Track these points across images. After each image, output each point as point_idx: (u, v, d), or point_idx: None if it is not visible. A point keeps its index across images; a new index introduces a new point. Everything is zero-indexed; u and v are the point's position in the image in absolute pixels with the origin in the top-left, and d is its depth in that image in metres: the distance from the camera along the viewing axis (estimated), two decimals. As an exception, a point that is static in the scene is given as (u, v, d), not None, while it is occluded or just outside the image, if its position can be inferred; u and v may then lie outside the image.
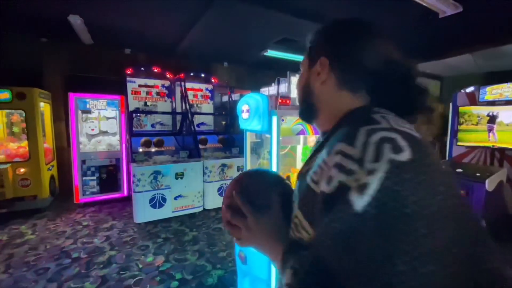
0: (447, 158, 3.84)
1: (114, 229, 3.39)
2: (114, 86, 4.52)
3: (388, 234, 0.33)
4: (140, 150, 4.09)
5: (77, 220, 3.66)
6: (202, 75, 5.03)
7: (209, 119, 5.20)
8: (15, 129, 4.23)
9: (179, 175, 3.73)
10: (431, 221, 0.33)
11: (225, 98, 5.54)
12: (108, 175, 4.29)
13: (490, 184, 2.69)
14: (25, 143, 3.82)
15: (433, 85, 6.88)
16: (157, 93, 4.69)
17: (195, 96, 5.05)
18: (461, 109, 3.73)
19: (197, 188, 3.91)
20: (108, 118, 4.48)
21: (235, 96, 5.28)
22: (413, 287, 0.31)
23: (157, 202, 3.60)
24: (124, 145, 4.38)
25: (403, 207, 0.33)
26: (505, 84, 3.37)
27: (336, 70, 0.53)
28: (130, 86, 4.42)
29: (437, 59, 5.10)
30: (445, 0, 2.95)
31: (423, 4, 2.99)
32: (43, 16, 3.56)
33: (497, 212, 2.95)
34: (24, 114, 3.69)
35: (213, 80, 5.17)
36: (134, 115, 4.28)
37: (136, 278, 2.38)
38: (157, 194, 3.60)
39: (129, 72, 4.37)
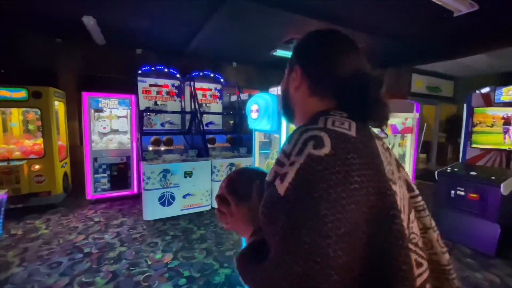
0: (460, 160, 3.74)
1: (124, 225, 3.46)
2: (126, 86, 4.61)
3: (299, 212, 0.41)
4: (150, 148, 4.16)
5: (88, 216, 3.75)
6: (211, 75, 5.07)
7: (217, 119, 5.24)
8: (31, 127, 4.37)
9: (187, 174, 3.77)
10: (334, 205, 0.39)
11: (234, 98, 5.56)
12: (119, 173, 4.37)
13: (505, 188, 2.61)
14: (40, 140, 3.94)
15: (447, 85, 6.72)
16: (167, 93, 4.75)
17: (204, 95, 5.10)
18: (476, 109, 3.62)
19: (205, 187, 3.95)
20: (119, 117, 4.57)
21: (243, 96, 5.30)
22: (311, 254, 0.38)
23: (166, 200, 3.65)
24: (134, 144, 4.46)
25: (313, 192, 0.40)
26: (523, 84, 3.26)
27: (307, 79, 0.59)
28: (140, 86, 4.50)
29: (451, 59, 4.98)
30: (461, -2, 2.88)
31: (438, 2, 2.92)
32: (58, 17, 3.67)
33: (512, 217, 2.86)
34: (39, 113, 3.81)
35: (221, 80, 5.20)
36: (144, 114, 4.35)
37: (145, 275, 2.42)
38: (166, 192, 3.65)
39: (140, 72, 4.45)
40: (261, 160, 2.29)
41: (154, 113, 4.57)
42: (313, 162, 0.42)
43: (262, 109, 1.75)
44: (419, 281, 0.50)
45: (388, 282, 0.41)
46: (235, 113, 5.27)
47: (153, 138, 4.27)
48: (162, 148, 4.29)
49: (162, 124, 4.72)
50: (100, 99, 4.26)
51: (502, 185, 2.57)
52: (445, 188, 3.04)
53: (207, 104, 5.14)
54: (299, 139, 0.46)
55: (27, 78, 4.15)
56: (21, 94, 3.67)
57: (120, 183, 4.40)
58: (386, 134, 0.58)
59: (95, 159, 4.21)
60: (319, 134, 0.45)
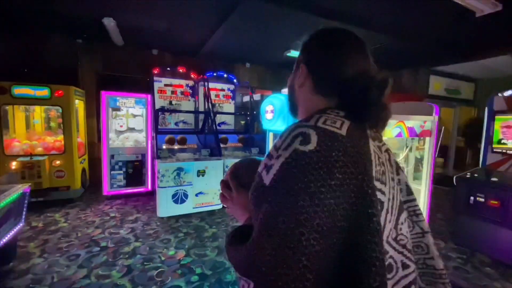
0: (480, 166, 3.60)
1: (138, 221, 3.55)
2: (142, 85, 4.73)
3: (279, 201, 0.44)
4: (164, 147, 4.25)
5: (105, 211, 3.87)
6: (225, 75, 5.11)
7: (230, 119, 5.28)
8: (52, 124, 4.56)
9: (201, 173, 3.83)
10: (312, 198, 0.42)
11: (246, 98, 5.59)
12: (134, 170, 4.49)
13: (529, 195, 2.49)
14: (60, 137, 4.10)
15: (467, 88, 6.49)
16: (182, 93, 4.83)
17: (217, 96, 5.15)
18: (498, 117, 3.47)
19: (217, 186, 3.96)
20: (135, 116, 4.70)
21: (256, 96, 5.32)
22: (285, 240, 0.41)
23: (179, 198, 3.72)
24: (149, 142, 4.56)
25: (294, 184, 0.43)
26: (550, 87, 3.10)
27: (312, 77, 0.60)
28: (156, 86, 4.60)
29: (472, 60, 4.82)
30: (484, -2, 2.79)
31: (460, 2, 2.83)
32: (80, 19, 3.81)
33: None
34: (61, 110, 3.97)
35: (235, 80, 5.24)
36: (159, 113, 4.45)
37: (159, 270, 2.48)
38: (180, 190, 3.71)
39: (156, 72, 4.55)
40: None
41: (169, 113, 4.66)
42: (297, 157, 0.45)
43: (277, 110, 1.76)
44: (404, 282, 0.51)
45: (360, 277, 0.43)
46: (248, 114, 5.30)
47: (167, 137, 4.35)
48: (176, 147, 4.36)
49: (176, 124, 4.80)
50: (117, 98, 4.39)
51: (525, 192, 2.47)
52: (464, 194, 2.94)
53: (220, 104, 5.19)
54: (288, 135, 0.49)
55: (50, 77, 4.33)
56: (44, 92, 3.84)
57: (135, 180, 4.51)
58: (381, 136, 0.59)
59: (112, 156, 4.34)
60: (307, 131, 0.48)
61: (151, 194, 4.54)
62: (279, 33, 4.07)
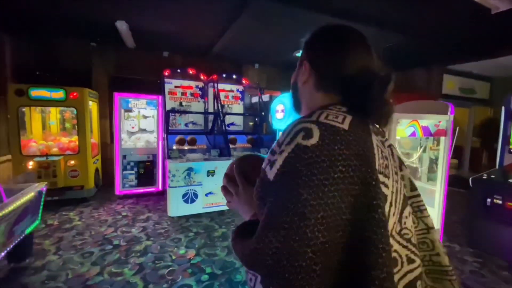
0: (497, 167, 3.49)
1: (149, 220, 3.60)
2: (153, 87, 4.81)
3: (284, 195, 0.45)
4: (174, 147, 4.30)
5: (117, 210, 3.95)
6: (234, 76, 5.14)
7: (238, 120, 5.30)
8: (67, 125, 4.69)
9: (210, 173, 3.86)
10: (315, 191, 0.42)
11: (255, 99, 5.61)
12: (145, 170, 4.57)
13: (550, 197, 2.40)
14: (75, 137, 4.22)
15: (482, 87, 6.30)
16: (191, 94, 4.89)
17: (226, 97, 5.19)
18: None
19: (226, 186, 4.00)
20: (146, 117, 4.78)
21: (265, 97, 5.32)
22: (290, 232, 0.42)
23: (189, 198, 3.75)
24: (160, 142, 4.63)
25: (298, 178, 0.44)
26: None
27: (315, 74, 0.60)
28: (167, 87, 4.67)
29: (487, 58, 4.68)
30: (500, -6, 2.71)
31: (475, 0, 2.76)
32: (93, 22, 3.91)
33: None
34: (75, 112, 4.08)
35: (244, 82, 5.27)
36: (170, 114, 4.51)
37: (170, 269, 2.50)
38: (190, 190, 3.75)
39: (166, 74, 4.62)
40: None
41: (179, 114, 4.72)
42: (299, 151, 0.46)
43: (288, 109, 1.76)
44: (409, 277, 0.51)
45: (366, 268, 0.43)
46: (257, 114, 5.30)
47: (177, 137, 4.41)
48: (186, 147, 4.41)
49: (186, 124, 4.86)
50: (129, 99, 4.48)
51: (546, 194, 2.37)
52: (480, 196, 2.85)
53: (229, 105, 5.22)
54: (291, 130, 0.50)
55: (65, 80, 4.46)
56: (59, 94, 3.96)
57: (147, 180, 4.59)
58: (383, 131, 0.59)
59: (124, 157, 4.43)
60: (309, 126, 0.48)
61: (162, 194, 4.60)
62: (288, 33, 4.06)
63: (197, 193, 3.80)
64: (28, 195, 2.27)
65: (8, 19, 3.84)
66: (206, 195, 3.87)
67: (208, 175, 3.86)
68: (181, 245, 2.97)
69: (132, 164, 4.49)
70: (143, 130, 4.78)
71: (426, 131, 1.72)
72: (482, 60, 4.80)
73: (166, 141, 4.11)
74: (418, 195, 0.64)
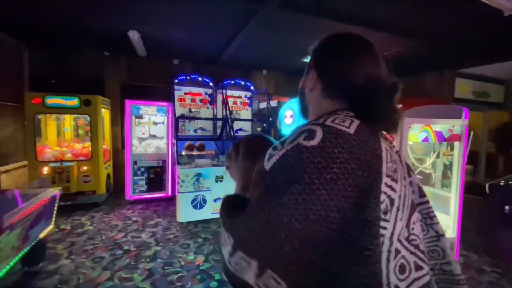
0: (514, 173, 3.36)
1: (159, 226, 3.62)
2: (163, 94, 4.91)
3: (274, 186, 0.48)
4: (183, 153, 4.34)
5: (127, 215, 4.00)
6: (242, 82, 5.19)
7: (247, 125, 5.32)
8: (80, 132, 4.82)
9: (219, 178, 3.87)
10: (304, 188, 0.45)
11: (263, 105, 5.63)
12: (155, 176, 4.63)
13: None
14: (88, 144, 4.32)
15: (496, 90, 6.13)
16: (201, 100, 4.96)
17: (234, 103, 5.22)
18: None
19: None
20: (156, 123, 4.87)
21: (273, 103, 5.34)
22: (269, 216, 0.46)
23: (198, 203, 3.77)
24: (170, 148, 4.69)
25: (289, 174, 0.47)
26: None
27: (321, 82, 0.61)
28: (177, 94, 4.75)
29: (501, 61, 4.56)
30: (514, -4, 2.65)
31: (487, 2, 2.71)
32: (107, 33, 4.05)
33: None
34: (89, 119, 4.19)
35: (252, 87, 5.30)
36: (179, 120, 4.57)
37: (179, 275, 2.50)
38: (199, 195, 3.77)
39: (176, 81, 4.71)
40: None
41: (188, 120, 4.79)
42: (298, 150, 0.48)
43: (297, 115, 1.76)
44: (417, 284, 0.50)
45: (348, 264, 0.44)
46: (265, 120, 5.32)
47: (187, 143, 4.45)
48: (195, 153, 4.45)
49: (195, 130, 4.91)
50: (140, 106, 4.58)
51: None
52: (498, 203, 2.74)
53: (238, 111, 5.25)
54: (296, 131, 0.52)
55: (79, 88, 4.61)
56: (74, 102, 4.08)
57: (156, 185, 4.64)
58: (392, 138, 0.60)
59: (135, 162, 4.51)
60: (314, 128, 0.50)
61: (171, 199, 4.64)
62: (296, 39, 4.09)
63: (205, 198, 3.82)
64: (42, 200, 2.32)
65: (27, 31, 4.02)
66: (215, 200, 3.88)
67: (216, 181, 3.87)
68: (190, 251, 2.97)
69: (142, 169, 4.56)
70: (153, 136, 4.86)
71: (440, 136, 1.67)
72: (496, 63, 4.68)
73: (175, 147, 4.16)
74: (427, 202, 0.63)
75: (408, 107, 2.71)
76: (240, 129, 5.22)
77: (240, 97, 5.29)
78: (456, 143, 1.81)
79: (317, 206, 0.45)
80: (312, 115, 0.64)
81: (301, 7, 3.07)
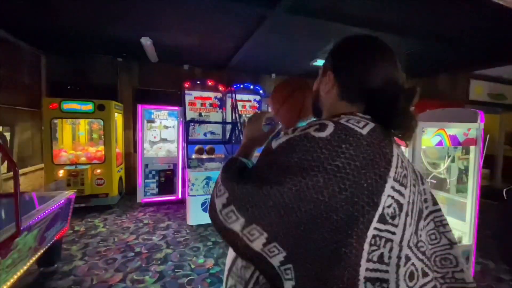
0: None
1: (169, 229, 3.67)
2: (174, 98, 5.00)
3: (275, 165, 0.52)
4: (193, 156, 4.39)
5: (139, 218, 4.06)
6: (251, 87, 5.23)
7: (256, 129, 5.33)
8: (94, 136, 4.95)
9: (228, 182, 3.88)
10: (301, 171, 0.47)
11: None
12: (166, 179, 4.70)
13: None
14: (101, 147, 4.44)
15: (513, 93, 5.93)
16: (210, 104, 5.02)
17: (243, 106, 5.26)
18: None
19: (244, 196, 4.01)
20: (167, 127, 4.95)
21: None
22: (258, 189, 0.50)
23: (208, 207, 3.79)
24: (180, 152, 4.76)
25: (290, 157, 0.50)
26: None
27: (339, 84, 0.61)
28: (187, 98, 4.83)
29: (517, 63, 4.42)
30: (531, -4, 2.58)
31: (501, 3, 2.65)
32: (120, 39, 4.16)
33: None
34: (102, 123, 4.31)
35: (261, 91, 5.33)
36: (190, 124, 4.64)
37: (189, 278, 2.52)
38: (208, 198, 3.79)
39: (186, 86, 4.79)
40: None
41: (198, 124, 4.85)
42: (305, 138, 0.50)
43: (307, 119, 1.75)
44: None
45: (330, 260, 0.46)
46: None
47: (197, 147, 4.51)
48: (204, 156, 4.50)
49: (204, 134, 4.97)
50: (152, 110, 4.68)
51: None
52: (517, 209, 2.64)
53: (247, 115, 5.28)
54: (310, 123, 0.54)
55: (93, 93, 4.75)
56: (88, 107, 4.20)
57: (167, 188, 4.70)
58: (406, 144, 0.60)
59: (146, 165, 4.59)
60: (327, 123, 0.52)
61: (181, 202, 4.68)
62: (305, 43, 4.09)
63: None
64: (58, 203, 2.40)
65: (44, 39, 4.18)
66: (224, 204, 3.89)
67: (226, 184, 3.88)
68: (200, 254, 2.99)
69: (153, 172, 4.64)
70: (164, 140, 4.94)
71: (454, 140, 1.64)
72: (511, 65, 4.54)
73: (186, 151, 4.21)
74: (440, 210, 0.63)
75: (421, 109, 2.66)
76: (249, 133, 5.24)
77: (249, 101, 5.32)
78: (472, 147, 1.77)
79: (310, 190, 0.47)
80: (328, 116, 0.64)
81: (310, 12, 3.08)
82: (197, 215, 3.75)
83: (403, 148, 0.63)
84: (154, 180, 4.64)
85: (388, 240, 0.47)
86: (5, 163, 3.70)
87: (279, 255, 0.49)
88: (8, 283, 1.77)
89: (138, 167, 4.56)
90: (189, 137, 4.70)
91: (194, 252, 3.02)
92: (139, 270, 2.64)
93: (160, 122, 4.90)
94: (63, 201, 2.47)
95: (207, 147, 4.61)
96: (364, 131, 0.50)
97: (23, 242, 1.90)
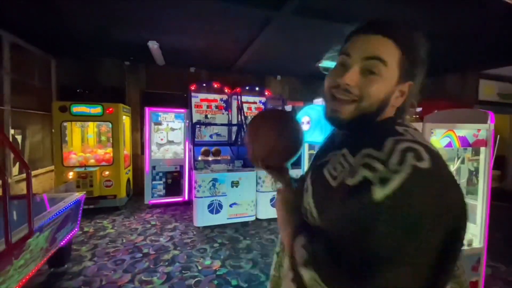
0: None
1: (176, 230, 3.69)
2: (181, 101, 5.05)
3: (397, 225, 0.40)
4: (200, 158, 4.42)
5: (146, 219, 4.10)
6: (256, 88, 5.25)
7: (262, 130, 5.34)
8: (103, 138, 5.03)
9: (235, 184, 3.90)
10: (433, 220, 0.41)
11: (278, 110, 5.63)
12: (173, 180, 4.74)
13: None
14: (109, 150, 4.50)
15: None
16: (216, 107, 5.06)
17: (249, 108, 5.27)
18: None
19: (250, 197, 4.02)
20: (173, 129, 5.00)
21: (287, 108, 5.35)
22: (411, 265, 0.41)
23: (214, 208, 3.81)
24: (187, 154, 4.80)
25: (413, 206, 0.40)
26: None
27: (410, 89, 0.57)
28: (193, 101, 4.87)
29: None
30: (541, -7, 2.53)
31: (508, 1, 2.61)
32: (127, 43, 4.23)
33: None
34: (111, 126, 4.38)
35: (266, 93, 5.34)
36: (196, 126, 4.68)
37: (196, 279, 2.53)
38: (215, 200, 3.81)
39: (193, 88, 4.83)
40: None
41: (204, 126, 4.89)
42: (417, 174, 0.41)
43: (314, 121, 1.76)
44: None
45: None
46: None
47: (203, 148, 4.54)
48: (210, 158, 4.52)
49: (210, 136, 5.01)
50: (159, 113, 4.74)
51: None
52: (529, 211, 2.58)
53: (252, 117, 5.29)
54: (394, 148, 0.45)
55: (102, 96, 4.83)
56: (97, 110, 4.28)
57: (174, 190, 4.75)
58: None
59: (153, 167, 4.64)
60: (415, 146, 0.45)
61: (188, 204, 4.72)
62: (311, 45, 4.09)
63: (221, 203, 3.85)
64: (68, 204, 2.44)
65: (54, 43, 4.28)
66: (231, 205, 3.91)
67: (232, 186, 3.90)
68: (207, 255, 3.00)
69: (160, 174, 4.69)
70: (171, 142, 4.99)
71: (464, 141, 1.61)
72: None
73: (192, 152, 4.25)
74: None
75: (429, 109, 2.62)
76: (255, 134, 5.25)
77: (255, 102, 5.34)
78: (482, 148, 1.74)
79: (435, 236, 0.42)
80: (369, 123, 0.56)
81: (316, 13, 3.08)
82: (203, 217, 3.77)
83: None
84: (161, 182, 4.69)
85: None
86: (16, 165, 3.79)
87: None
88: (20, 283, 1.81)
89: (145, 169, 4.62)
90: (195, 139, 4.74)
91: (201, 254, 3.03)
92: (147, 271, 2.67)
93: (167, 124, 4.95)
94: (73, 202, 2.52)
95: (213, 149, 4.63)
96: (435, 148, 0.49)
97: (35, 243, 1.94)
